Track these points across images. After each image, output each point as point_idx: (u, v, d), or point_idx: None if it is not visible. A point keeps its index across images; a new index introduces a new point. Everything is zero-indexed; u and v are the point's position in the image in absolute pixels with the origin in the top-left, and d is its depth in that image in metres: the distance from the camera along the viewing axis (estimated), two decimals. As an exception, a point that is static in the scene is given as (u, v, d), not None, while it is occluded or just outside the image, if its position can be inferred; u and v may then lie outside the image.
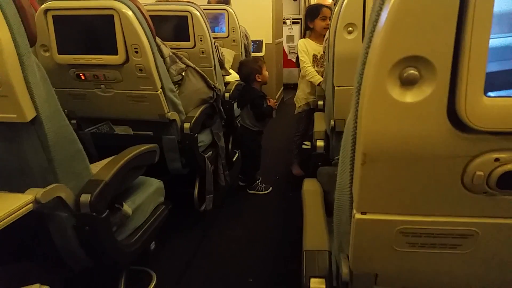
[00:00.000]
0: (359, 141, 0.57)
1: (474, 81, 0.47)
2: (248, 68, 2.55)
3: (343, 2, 1.43)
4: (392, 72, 0.49)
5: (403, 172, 0.56)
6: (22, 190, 1.06)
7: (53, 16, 1.64)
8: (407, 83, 0.50)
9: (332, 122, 1.63)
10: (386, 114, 0.52)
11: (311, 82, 2.64)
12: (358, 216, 0.62)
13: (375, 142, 0.54)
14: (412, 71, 0.49)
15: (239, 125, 2.70)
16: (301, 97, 2.81)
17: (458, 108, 0.49)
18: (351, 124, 0.60)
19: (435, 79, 0.49)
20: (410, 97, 0.50)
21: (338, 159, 1.16)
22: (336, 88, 1.55)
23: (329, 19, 2.55)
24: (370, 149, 0.55)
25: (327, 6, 2.61)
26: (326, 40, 2.12)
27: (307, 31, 2.73)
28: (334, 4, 1.81)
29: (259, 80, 2.56)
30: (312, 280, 0.81)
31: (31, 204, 1.02)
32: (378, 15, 0.50)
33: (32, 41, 1.02)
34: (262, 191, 2.74)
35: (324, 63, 2.69)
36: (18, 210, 0.98)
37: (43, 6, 1.64)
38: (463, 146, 0.53)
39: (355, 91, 0.57)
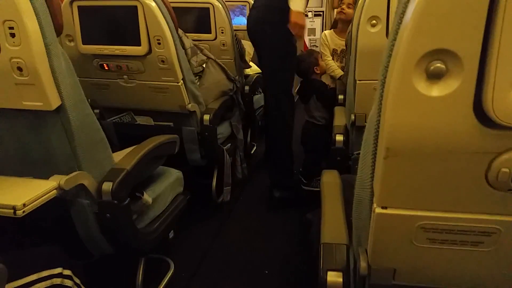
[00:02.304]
0: (382, 135, 0.56)
1: (503, 76, 0.46)
2: (306, 63, 2.54)
3: (366, -5, 1.41)
4: (419, 65, 0.49)
5: (426, 167, 0.56)
6: (46, 177, 1.09)
7: (78, 7, 1.67)
8: (433, 76, 0.49)
9: (353, 117, 1.61)
10: (411, 107, 0.51)
11: (331, 76, 2.62)
12: (378, 210, 0.62)
13: (399, 136, 0.53)
14: (438, 65, 0.48)
15: (305, 121, 2.65)
16: None
17: (485, 103, 0.48)
18: (375, 118, 0.59)
19: (462, 73, 0.48)
20: (436, 91, 0.50)
21: (357, 154, 1.15)
22: (357, 82, 1.53)
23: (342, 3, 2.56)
24: (393, 143, 0.54)
25: None
26: (348, 33, 2.09)
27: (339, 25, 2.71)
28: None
29: (318, 71, 2.57)
30: (329, 273, 0.81)
31: (55, 191, 1.05)
32: (405, 7, 0.49)
33: (58, 31, 1.05)
34: (317, 187, 2.65)
35: (345, 58, 2.66)
36: (42, 196, 1.01)
37: (68, -4, 1.67)
38: (489, 142, 0.52)
39: (380, 84, 0.56)
